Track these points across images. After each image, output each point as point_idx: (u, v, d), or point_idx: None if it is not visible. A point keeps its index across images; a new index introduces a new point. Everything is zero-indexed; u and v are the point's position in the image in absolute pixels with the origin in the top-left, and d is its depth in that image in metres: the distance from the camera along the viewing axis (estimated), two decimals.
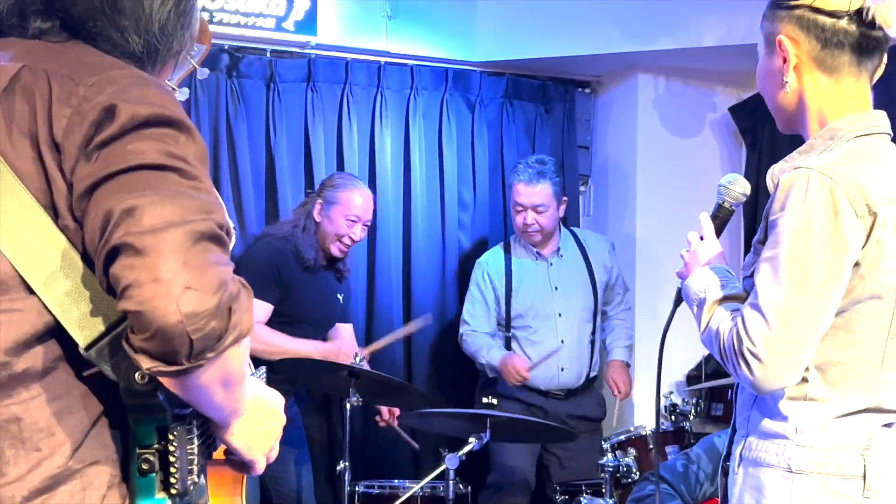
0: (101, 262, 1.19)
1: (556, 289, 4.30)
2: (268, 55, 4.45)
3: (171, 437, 1.27)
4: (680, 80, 4.70)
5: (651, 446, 3.65)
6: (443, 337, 4.60)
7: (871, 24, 1.81)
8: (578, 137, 4.98)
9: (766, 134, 4.48)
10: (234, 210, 4.36)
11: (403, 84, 4.67)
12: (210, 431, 1.37)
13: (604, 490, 3.54)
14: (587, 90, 5.04)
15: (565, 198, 4.37)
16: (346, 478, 3.59)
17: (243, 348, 1.25)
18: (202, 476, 1.36)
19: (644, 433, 3.69)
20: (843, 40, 1.82)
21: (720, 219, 2.01)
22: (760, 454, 1.83)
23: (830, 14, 1.82)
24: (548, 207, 4.21)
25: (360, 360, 3.63)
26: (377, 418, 4.11)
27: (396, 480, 3.92)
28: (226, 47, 4.33)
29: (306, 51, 4.49)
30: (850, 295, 1.75)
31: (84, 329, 1.23)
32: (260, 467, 1.44)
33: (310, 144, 4.48)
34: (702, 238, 1.98)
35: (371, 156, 4.61)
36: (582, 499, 3.55)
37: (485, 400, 3.64)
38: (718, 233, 2.00)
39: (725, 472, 1.96)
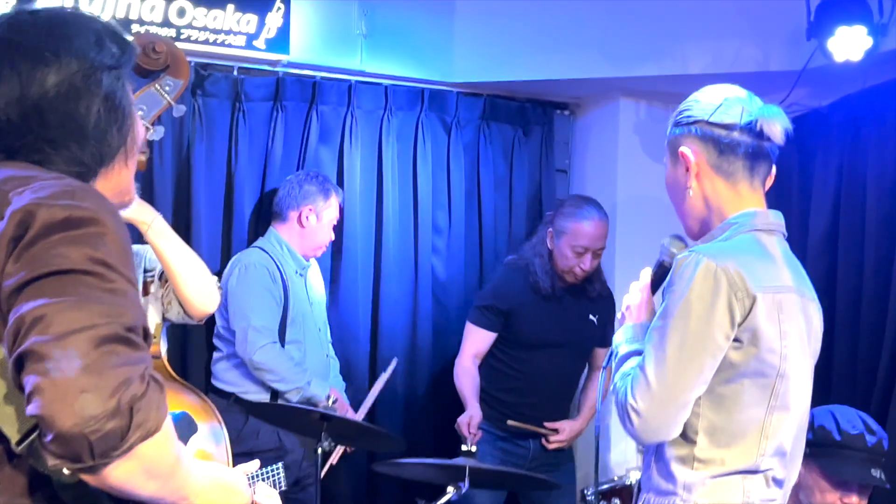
0: (12, 368, 1.25)
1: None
2: (235, 73, 4.25)
3: None
4: (662, 105, 4.56)
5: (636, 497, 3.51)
6: (414, 373, 4.40)
7: (760, 135, 2.06)
8: (556, 161, 4.84)
9: None
10: (193, 232, 4.16)
11: (377, 104, 4.48)
12: None
13: None
14: (566, 112, 4.89)
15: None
16: None
17: (165, 441, 1.30)
18: None
19: (628, 482, 3.54)
20: (737, 149, 2.07)
21: (658, 275, 2.19)
22: None
23: (725, 127, 2.07)
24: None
25: (333, 403, 3.46)
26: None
27: None
28: (192, 64, 4.11)
29: (277, 69, 4.29)
30: (736, 369, 1.98)
31: (15, 426, 1.30)
32: None
33: (267, 165, 4.29)
34: (639, 291, 2.21)
35: (339, 175, 4.42)
36: None
37: (464, 448, 3.47)
38: (655, 288, 2.20)
39: None
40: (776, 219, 2.13)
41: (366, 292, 4.43)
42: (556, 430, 4.04)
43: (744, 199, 2.10)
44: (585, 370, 4.24)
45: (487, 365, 4.10)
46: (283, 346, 3.86)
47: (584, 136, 4.88)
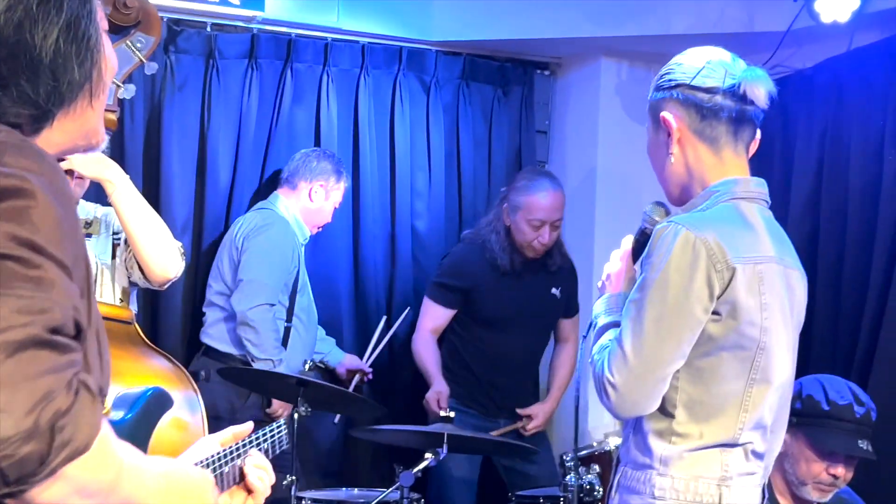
0: None
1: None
2: (208, 29, 4.13)
3: None
4: (644, 65, 4.49)
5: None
6: (394, 337, 4.33)
7: (743, 99, 2.00)
8: (537, 122, 4.76)
9: None
10: (162, 193, 4.06)
11: (353, 63, 4.38)
12: None
13: None
14: (546, 72, 4.80)
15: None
16: (293, 492, 3.36)
17: (100, 457, 1.11)
18: None
19: (608, 448, 3.51)
20: (720, 113, 2.01)
21: (640, 243, 2.13)
22: (632, 482, 2.01)
23: (707, 91, 2.01)
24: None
25: (309, 369, 3.41)
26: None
27: (344, 490, 3.73)
28: (164, 20, 4.00)
29: (251, 26, 4.18)
30: (715, 342, 1.94)
31: None
32: None
33: (241, 126, 4.18)
34: (620, 259, 2.17)
35: (316, 136, 4.33)
36: None
37: (442, 413, 3.43)
38: (636, 255, 2.14)
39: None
40: (758, 187, 2.07)
41: (347, 255, 4.37)
42: (530, 417, 4.01)
43: (727, 165, 2.04)
44: (551, 343, 4.22)
45: (450, 343, 4.07)
46: (292, 314, 3.83)
47: (564, 96, 4.81)
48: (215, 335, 3.87)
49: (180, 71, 4.11)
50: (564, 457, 3.54)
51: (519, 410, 4.03)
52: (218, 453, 1.54)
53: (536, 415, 4.02)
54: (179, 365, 2.64)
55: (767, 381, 1.99)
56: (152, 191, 4.06)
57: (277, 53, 4.26)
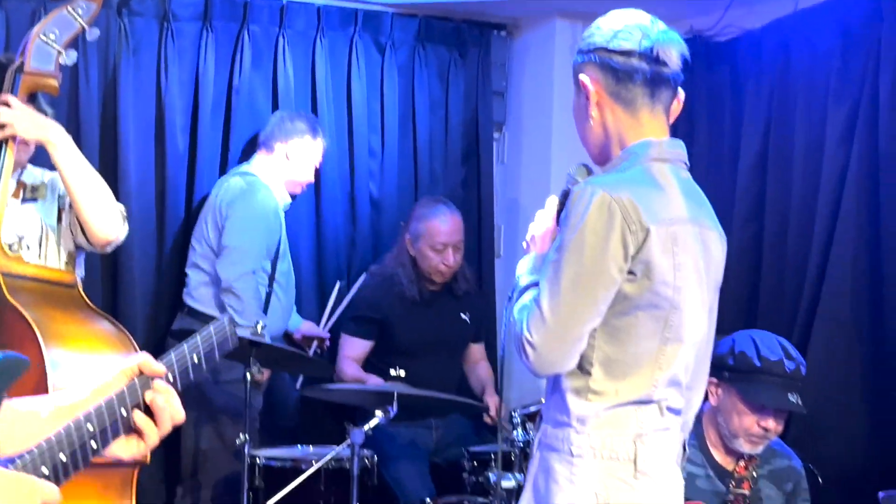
0: None
1: None
2: None
3: None
4: None
5: None
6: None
7: (657, 61, 2.04)
8: (493, 83, 4.78)
9: (683, 85, 4.35)
10: (120, 158, 4.07)
11: (309, 25, 4.39)
12: None
13: (514, 465, 3.44)
14: (503, 33, 4.81)
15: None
16: (247, 450, 3.43)
17: None
18: None
19: None
20: (634, 76, 2.04)
21: (564, 203, 2.15)
22: (551, 440, 2.05)
23: (623, 53, 2.04)
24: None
25: (262, 330, 3.45)
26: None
27: (299, 447, 3.80)
28: None
29: None
30: (630, 302, 1.98)
31: None
32: None
33: (199, 89, 4.20)
34: (545, 218, 2.19)
35: (273, 98, 4.34)
36: (490, 474, 3.46)
37: (392, 372, 3.50)
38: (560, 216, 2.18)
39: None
40: (676, 148, 2.11)
41: (308, 217, 4.41)
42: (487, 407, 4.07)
43: (644, 127, 2.07)
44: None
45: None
46: (273, 279, 3.89)
47: (521, 58, 4.83)
48: (198, 297, 3.93)
49: (134, 34, 4.11)
50: (513, 413, 3.62)
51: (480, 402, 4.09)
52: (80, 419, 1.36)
53: (491, 404, 4.04)
54: (123, 328, 2.68)
55: (680, 339, 2.03)
56: (110, 155, 4.07)
57: (233, 15, 4.26)
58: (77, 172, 2.76)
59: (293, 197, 4.12)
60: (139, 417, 1.38)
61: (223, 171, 4.24)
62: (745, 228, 4.00)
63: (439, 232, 3.99)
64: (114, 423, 1.35)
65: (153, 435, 1.38)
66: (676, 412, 2.08)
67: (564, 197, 2.16)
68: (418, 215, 4.09)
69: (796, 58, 3.84)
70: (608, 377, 2.00)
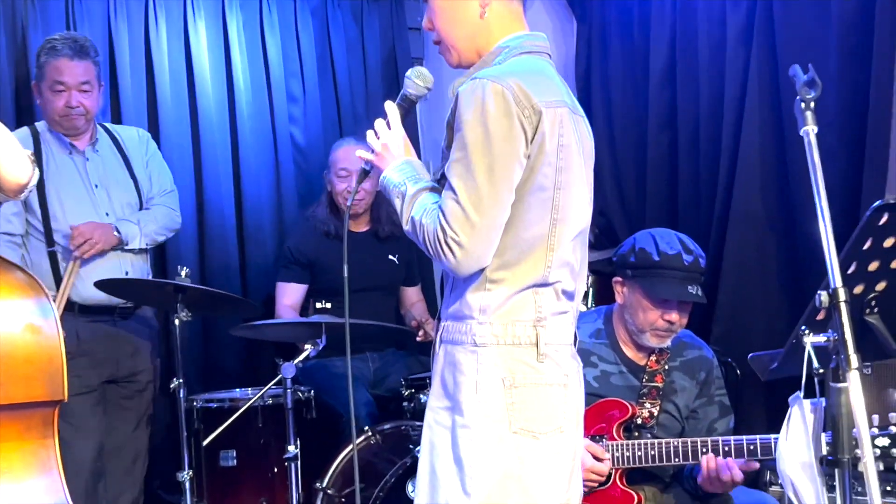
0: None
1: (96, 187, 3.65)
2: None
3: None
4: None
5: None
6: (281, 242, 4.42)
7: None
8: (408, 19, 4.80)
9: (595, 7, 4.41)
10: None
11: None
12: None
13: None
14: None
15: (102, 83, 3.76)
16: (182, 394, 3.48)
17: None
18: None
19: None
20: None
21: (405, 108, 2.24)
22: (454, 335, 2.11)
23: None
24: (93, 88, 3.62)
25: (186, 276, 3.48)
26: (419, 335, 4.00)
27: (238, 390, 3.86)
28: None
29: None
30: (522, 188, 2.03)
31: None
32: None
33: (114, 48, 4.19)
34: (389, 127, 2.20)
35: (187, 54, 4.34)
36: (422, 396, 3.53)
37: (318, 305, 3.55)
38: (401, 121, 2.23)
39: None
40: (543, 41, 2.20)
41: (226, 165, 4.41)
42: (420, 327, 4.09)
43: (516, 21, 2.18)
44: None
45: None
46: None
47: None
48: None
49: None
50: None
51: (412, 323, 4.12)
52: None
53: (424, 323, 4.08)
54: (33, 275, 2.72)
55: (566, 219, 2.09)
56: (24, 122, 4.06)
57: None
58: None
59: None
60: None
61: (151, 128, 4.23)
62: (659, 138, 4.07)
63: (343, 159, 4.03)
64: None
65: None
66: (570, 296, 2.15)
67: (403, 101, 2.23)
68: (330, 151, 4.16)
69: None
70: (503, 266, 2.05)
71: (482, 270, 2.05)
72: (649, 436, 2.93)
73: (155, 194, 3.79)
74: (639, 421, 2.94)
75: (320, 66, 4.62)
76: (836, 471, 1.78)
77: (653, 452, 2.82)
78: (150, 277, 3.77)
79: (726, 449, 2.74)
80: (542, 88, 2.06)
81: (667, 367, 2.98)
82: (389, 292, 4.28)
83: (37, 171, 2.91)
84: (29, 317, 2.64)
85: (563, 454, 2.10)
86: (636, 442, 2.85)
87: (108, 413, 3.67)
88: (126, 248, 3.63)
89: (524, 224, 2.05)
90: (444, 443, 2.09)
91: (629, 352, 3.00)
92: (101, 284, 3.49)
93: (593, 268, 3.73)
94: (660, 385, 2.97)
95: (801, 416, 1.99)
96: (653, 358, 2.98)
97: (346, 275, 2.30)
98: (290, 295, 4.12)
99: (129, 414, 3.73)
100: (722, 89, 3.77)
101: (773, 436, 2.66)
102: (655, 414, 2.95)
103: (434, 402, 2.14)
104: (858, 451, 1.71)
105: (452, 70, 2.39)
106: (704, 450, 2.76)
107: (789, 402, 2.02)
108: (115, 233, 3.59)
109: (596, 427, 2.88)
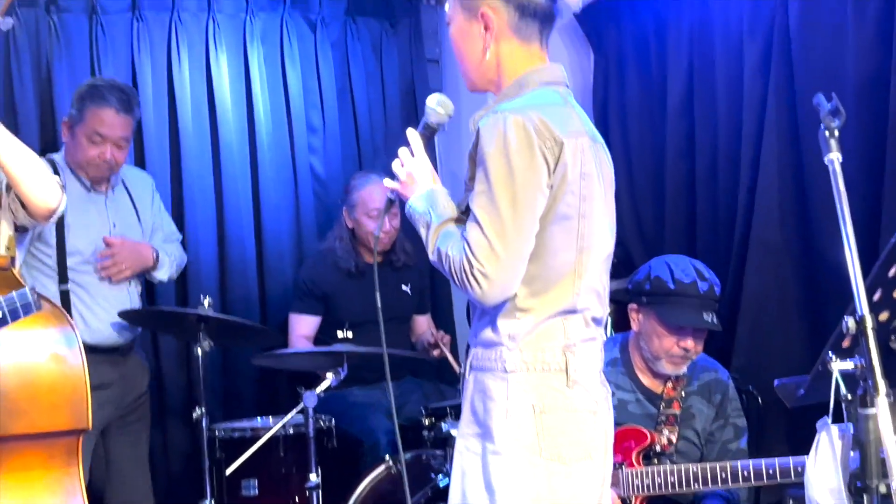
0: None
1: (114, 226, 3.63)
2: None
3: None
4: None
5: None
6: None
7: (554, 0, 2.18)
8: (427, 51, 4.86)
9: (612, 38, 4.44)
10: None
11: (238, 7, 4.46)
12: None
13: None
14: (432, 1, 4.88)
15: None
16: (204, 424, 3.50)
17: None
18: None
19: None
20: (536, 12, 2.16)
21: (426, 136, 2.28)
22: (483, 362, 2.13)
23: None
24: (129, 143, 3.62)
25: (209, 306, 3.51)
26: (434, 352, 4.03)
27: (259, 419, 3.88)
28: None
29: None
30: (546, 218, 2.05)
31: None
32: None
33: (137, 81, 4.25)
34: (412, 155, 2.24)
35: (209, 86, 4.40)
36: (443, 424, 3.54)
37: (340, 334, 3.58)
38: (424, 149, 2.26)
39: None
40: (560, 72, 2.24)
41: (246, 195, 4.46)
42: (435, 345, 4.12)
43: (534, 57, 2.20)
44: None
45: None
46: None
47: None
48: None
49: (64, 30, 4.15)
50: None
51: (431, 342, 4.13)
52: None
53: (443, 342, 4.10)
54: (57, 305, 2.76)
55: (591, 247, 2.13)
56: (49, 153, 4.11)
57: (161, 4, 4.31)
58: (9, 148, 2.79)
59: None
60: None
61: (173, 159, 4.30)
62: (677, 167, 4.08)
63: (373, 199, 4.06)
64: None
65: None
66: (598, 322, 2.18)
67: (425, 129, 2.28)
68: (351, 187, 4.17)
69: None
70: (532, 294, 2.08)
71: (510, 299, 2.07)
72: (668, 462, 2.93)
73: (163, 239, 3.81)
74: (657, 448, 2.94)
75: (340, 98, 4.68)
76: (865, 496, 1.79)
77: (672, 479, 2.82)
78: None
79: (745, 474, 2.74)
80: (563, 119, 2.10)
81: (683, 393, 2.99)
82: (403, 321, 4.30)
83: (65, 197, 2.96)
84: (53, 346, 2.69)
85: (592, 481, 2.12)
86: (655, 468, 2.85)
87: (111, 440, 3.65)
88: (153, 273, 3.67)
89: (551, 252, 2.08)
90: (475, 469, 2.11)
91: (646, 379, 3.01)
92: (125, 314, 3.52)
93: (611, 297, 3.72)
94: (677, 412, 2.98)
95: (829, 442, 1.99)
96: (669, 385, 2.99)
97: (378, 304, 2.33)
98: (304, 326, 4.15)
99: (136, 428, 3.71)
100: (740, 119, 3.78)
101: (791, 458, 2.66)
102: (674, 441, 2.96)
103: (464, 428, 2.16)
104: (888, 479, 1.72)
105: (470, 100, 2.45)
106: (724, 475, 2.76)
107: (817, 428, 2.03)
108: (154, 255, 3.61)
109: (615, 455, 2.88)
